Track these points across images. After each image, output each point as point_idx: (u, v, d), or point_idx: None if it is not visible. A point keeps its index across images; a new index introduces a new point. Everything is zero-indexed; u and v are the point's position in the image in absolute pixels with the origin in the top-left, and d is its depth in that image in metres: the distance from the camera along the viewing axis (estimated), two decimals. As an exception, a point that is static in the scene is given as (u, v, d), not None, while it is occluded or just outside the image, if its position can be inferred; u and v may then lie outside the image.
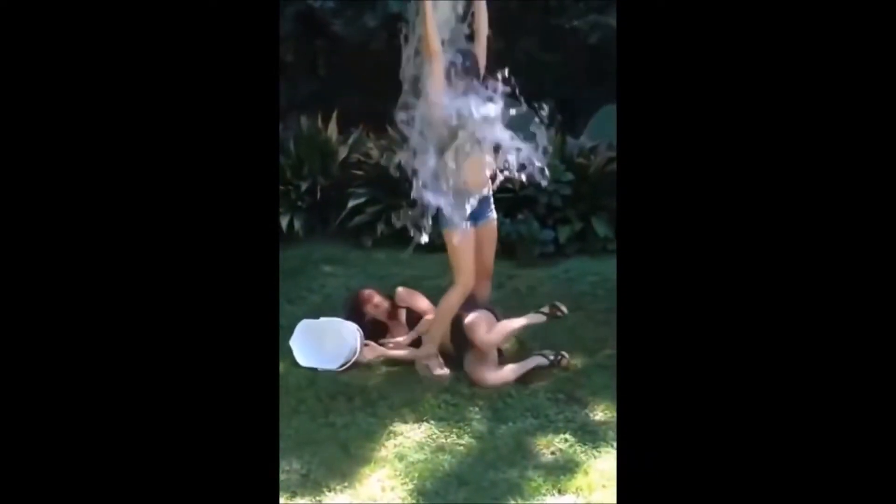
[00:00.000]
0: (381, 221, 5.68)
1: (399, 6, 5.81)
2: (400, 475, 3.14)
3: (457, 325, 3.93)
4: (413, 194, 3.61)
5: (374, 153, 5.98)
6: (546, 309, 4.03)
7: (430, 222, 3.60)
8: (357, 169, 6.02)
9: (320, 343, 4.10)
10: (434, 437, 3.41)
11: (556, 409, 3.58)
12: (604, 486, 3.00)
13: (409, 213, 3.65)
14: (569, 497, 2.98)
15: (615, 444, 3.14)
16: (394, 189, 5.11)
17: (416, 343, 4.11)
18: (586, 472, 3.10)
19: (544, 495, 2.99)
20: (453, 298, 3.88)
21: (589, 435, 3.36)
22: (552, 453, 3.27)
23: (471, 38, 3.82)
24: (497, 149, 3.68)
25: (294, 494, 3.03)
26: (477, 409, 3.62)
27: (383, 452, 3.31)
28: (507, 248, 5.19)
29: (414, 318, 4.23)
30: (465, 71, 3.67)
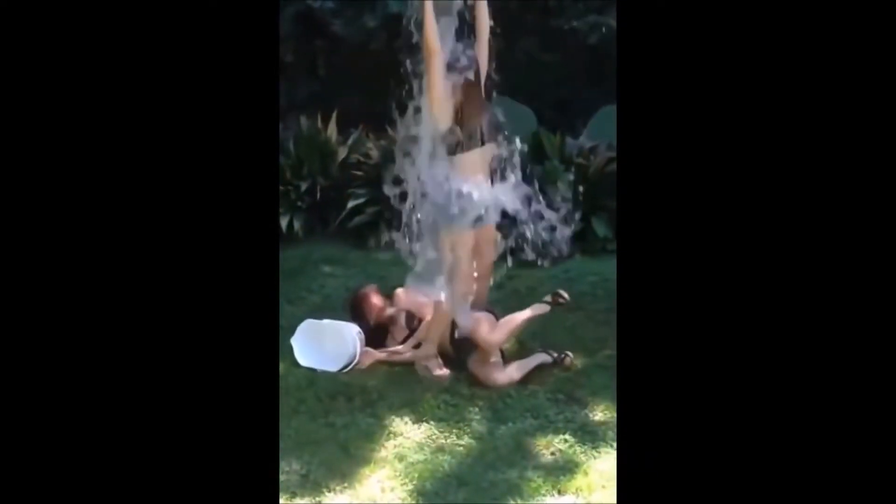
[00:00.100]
0: (381, 221, 5.67)
1: (399, 6, 5.80)
2: (400, 476, 3.14)
3: (457, 328, 3.92)
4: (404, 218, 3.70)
5: (374, 153, 5.97)
6: (549, 298, 4.02)
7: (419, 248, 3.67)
8: (357, 169, 6.01)
9: (321, 344, 4.10)
10: (434, 437, 3.41)
11: (555, 410, 3.58)
12: (604, 487, 3.00)
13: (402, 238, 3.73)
14: (569, 497, 2.98)
15: (615, 445, 3.13)
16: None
17: (415, 348, 4.10)
18: (586, 473, 3.10)
19: (544, 496, 2.99)
20: (452, 299, 3.88)
21: (589, 435, 3.36)
22: (552, 454, 3.26)
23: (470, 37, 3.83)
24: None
25: (294, 495, 3.03)
26: (477, 409, 3.62)
27: (383, 453, 3.31)
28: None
29: (413, 318, 4.23)
30: (464, 70, 3.68)
